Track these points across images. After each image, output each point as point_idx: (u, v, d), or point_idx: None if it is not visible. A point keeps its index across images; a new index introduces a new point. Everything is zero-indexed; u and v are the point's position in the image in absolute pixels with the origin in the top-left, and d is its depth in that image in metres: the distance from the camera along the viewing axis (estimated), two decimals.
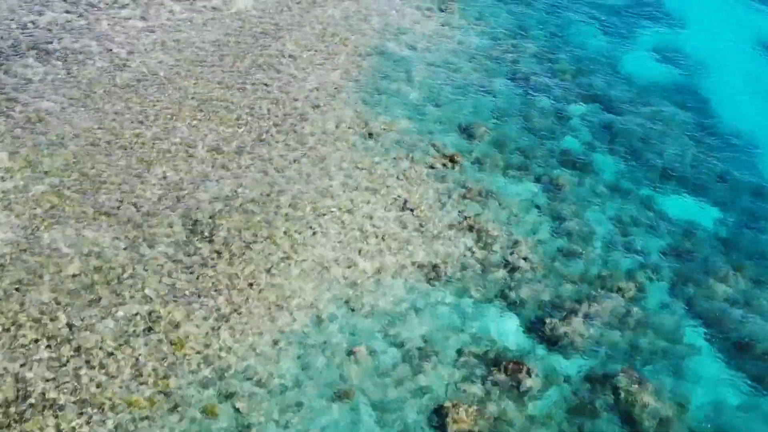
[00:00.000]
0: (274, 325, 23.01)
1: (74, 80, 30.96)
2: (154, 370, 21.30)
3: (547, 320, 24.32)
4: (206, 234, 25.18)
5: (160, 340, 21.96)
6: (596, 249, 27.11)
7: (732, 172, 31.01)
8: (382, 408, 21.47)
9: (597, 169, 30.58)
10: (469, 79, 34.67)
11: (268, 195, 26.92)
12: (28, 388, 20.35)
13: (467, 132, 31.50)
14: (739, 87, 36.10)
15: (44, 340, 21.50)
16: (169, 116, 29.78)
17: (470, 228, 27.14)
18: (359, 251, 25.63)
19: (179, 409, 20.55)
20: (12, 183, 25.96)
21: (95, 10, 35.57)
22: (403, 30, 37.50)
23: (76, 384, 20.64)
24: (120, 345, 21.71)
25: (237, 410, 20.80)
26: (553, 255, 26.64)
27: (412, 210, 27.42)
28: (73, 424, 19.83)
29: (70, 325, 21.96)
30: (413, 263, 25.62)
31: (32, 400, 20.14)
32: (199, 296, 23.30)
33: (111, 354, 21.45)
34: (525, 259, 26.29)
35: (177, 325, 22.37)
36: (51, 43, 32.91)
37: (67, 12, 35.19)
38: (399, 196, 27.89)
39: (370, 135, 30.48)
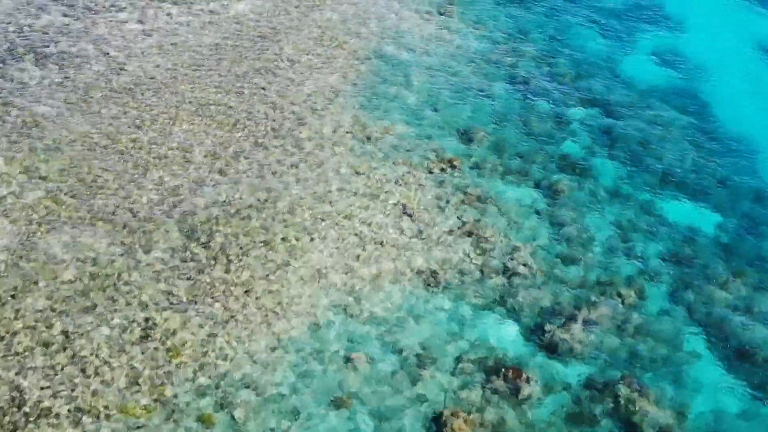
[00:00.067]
0: (271, 331, 22.83)
1: (71, 84, 30.79)
2: (150, 378, 21.11)
3: (547, 327, 24.17)
4: (203, 240, 25.00)
5: (156, 348, 21.77)
6: (596, 255, 26.95)
7: (732, 177, 30.89)
8: (381, 416, 21.29)
9: (596, 173, 30.44)
10: (468, 83, 34.52)
11: (265, 200, 26.75)
12: (24, 397, 20.15)
13: (466, 136, 31.35)
14: (739, 91, 35.97)
15: (39, 348, 21.31)
16: (166, 121, 29.61)
17: (469, 233, 26.97)
18: (357, 257, 25.45)
19: (175, 417, 20.36)
20: (8, 188, 25.78)
21: (92, 13, 35.39)
22: (402, 34, 37.34)
23: (71, 392, 20.44)
24: (115, 352, 21.51)
25: (234, 419, 20.61)
26: (553, 261, 26.48)
27: (410, 215, 27.25)
28: None
29: (65, 333, 21.77)
30: (412, 269, 25.44)
31: (27, 409, 19.94)
32: (195, 303, 23.11)
33: (106, 362, 21.26)
34: (524, 265, 26.12)
35: (173, 333, 22.17)
36: (48, 46, 32.74)
37: (65, 15, 35.03)
38: (397, 202, 27.72)
39: (369, 139, 30.32)
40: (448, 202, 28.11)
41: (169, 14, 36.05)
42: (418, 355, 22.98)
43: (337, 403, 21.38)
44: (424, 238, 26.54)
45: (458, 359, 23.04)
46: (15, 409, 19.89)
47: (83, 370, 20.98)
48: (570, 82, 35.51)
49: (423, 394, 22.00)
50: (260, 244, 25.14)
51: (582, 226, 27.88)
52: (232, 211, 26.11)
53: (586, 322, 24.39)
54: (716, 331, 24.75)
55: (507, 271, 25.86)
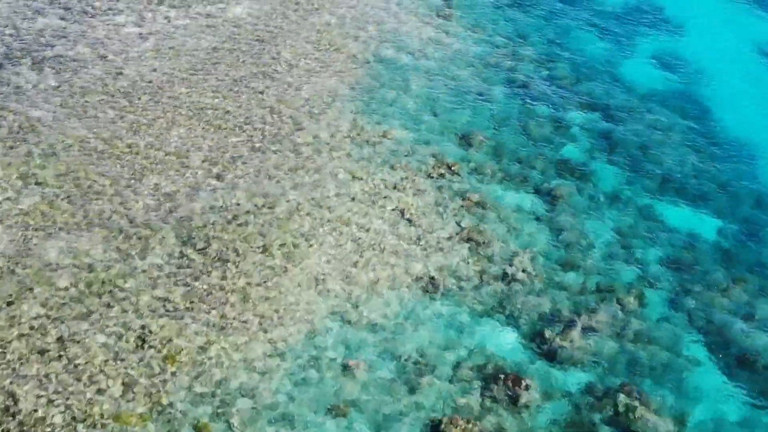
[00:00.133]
0: (268, 339, 22.65)
1: (68, 88, 30.60)
2: (146, 385, 20.92)
3: (546, 333, 24.00)
4: (200, 246, 24.81)
5: (151, 355, 21.58)
6: (595, 260, 26.78)
7: (733, 182, 30.72)
8: (378, 424, 21.13)
9: (596, 178, 30.27)
10: (467, 87, 34.35)
11: (262, 205, 26.56)
12: (18, 406, 19.96)
13: (465, 141, 31.16)
14: (740, 95, 35.80)
15: (34, 356, 21.12)
16: (162, 125, 29.42)
17: (468, 239, 26.80)
18: (355, 263, 25.27)
19: (171, 426, 20.17)
20: (3, 194, 25.59)
21: (89, 17, 35.19)
22: (401, 37, 37.15)
23: (66, 400, 20.25)
24: (111, 360, 21.33)
25: (230, 427, 20.43)
26: (552, 266, 26.32)
27: (409, 220, 27.07)
28: None
29: (60, 340, 21.58)
30: (410, 275, 25.27)
31: (21, 417, 19.75)
32: (191, 310, 22.92)
33: (102, 369, 21.06)
34: (523, 270, 25.95)
35: (169, 340, 21.99)
36: (44, 50, 32.53)
37: (62, 19, 34.82)
38: (396, 207, 27.54)
39: (367, 144, 30.13)
40: (446, 207, 27.95)
41: (166, 17, 35.84)
42: (416, 362, 22.82)
43: (335, 412, 21.20)
44: (422, 244, 26.37)
45: (457, 366, 22.88)
46: (9, 418, 19.70)
47: (78, 378, 20.80)
48: (569, 86, 35.33)
49: (421, 401, 21.82)
50: (257, 250, 24.97)
51: (581, 231, 27.70)
52: (229, 216, 25.93)
53: (586, 329, 24.23)
54: (717, 337, 24.60)
55: (506, 277, 25.70)
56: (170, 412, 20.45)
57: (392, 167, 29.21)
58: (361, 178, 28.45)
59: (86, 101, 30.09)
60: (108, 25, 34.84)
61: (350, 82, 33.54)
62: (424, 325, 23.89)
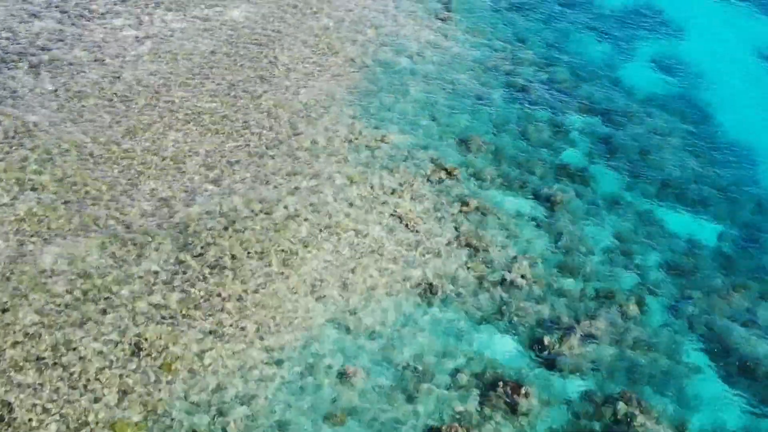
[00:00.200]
0: (264, 346, 22.47)
1: (64, 92, 30.42)
2: (142, 393, 20.73)
3: (545, 339, 23.82)
4: (196, 252, 24.64)
5: (147, 363, 21.40)
6: (595, 266, 26.60)
7: (733, 186, 30.52)
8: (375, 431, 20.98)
9: (596, 183, 30.09)
10: (466, 91, 34.17)
11: (259, 211, 26.38)
12: (13, 414, 19.78)
13: (464, 145, 30.97)
14: (740, 99, 35.62)
15: (29, 363, 20.93)
16: (159, 129, 29.25)
17: (467, 244, 26.62)
18: (353, 269, 25.09)
19: None
20: None
21: (86, 20, 35.01)
22: (399, 41, 36.97)
23: (61, 408, 20.07)
24: (106, 368, 21.14)
25: None
26: (551, 272, 26.13)
27: (407, 226, 26.89)
28: None
29: (55, 347, 21.39)
30: (408, 281, 25.09)
31: (16, 425, 19.57)
32: (188, 317, 22.74)
33: (97, 377, 20.88)
34: (522, 276, 25.77)
35: (165, 347, 21.81)
36: (41, 54, 32.36)
37: (59, 22, 34.65)
38: (394, 212, 27.35)
39: (365, 148, 29.94)
40: (445, 211, 27.77)
41: (164, 21, 35.68)
42: (414, 369, 22.64)
43: (332, 420, 21.03)
44: (421, 250, 26.18)
45: (455, 373, 22.70)
46: (4, 427, 19.52)
47: (74, 386, 20.62)
48: (569, 90, 35.17)
49: (419, 408, 21.65)
50: (254, 256, 24.78)
51: (581, 237, 27.53)
52: (226, 222, 25.75)
53: (585, 336, 24.05)
54: (717, 344, 24.41)
55: (505, 283, 25.52)
56: (166, 421, 20.27)
57: (391, 172, 29.02)
58: (359, 183, 28.26)
59: (83, 105, 29.93)
60: (105, 28, 34.69)
61: (348, 85, 33.36)
62: (423, 331, 23.71)
